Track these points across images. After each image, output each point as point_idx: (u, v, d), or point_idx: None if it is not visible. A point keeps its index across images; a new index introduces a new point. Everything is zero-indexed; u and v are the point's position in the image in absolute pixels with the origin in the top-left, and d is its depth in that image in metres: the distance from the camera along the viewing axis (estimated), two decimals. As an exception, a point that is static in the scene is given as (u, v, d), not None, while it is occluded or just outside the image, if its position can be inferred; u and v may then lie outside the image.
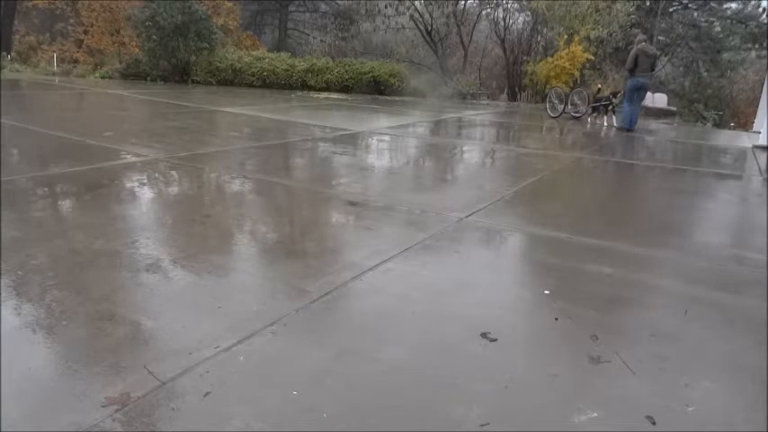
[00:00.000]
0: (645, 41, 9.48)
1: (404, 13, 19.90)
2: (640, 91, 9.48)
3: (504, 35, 18.50)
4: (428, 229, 3.46)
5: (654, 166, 6.70)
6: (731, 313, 2.52)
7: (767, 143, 8.62)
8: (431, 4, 19.42)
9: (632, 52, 9.39)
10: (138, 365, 1.80)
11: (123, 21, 19.24)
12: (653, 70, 9.50)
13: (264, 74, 15.69)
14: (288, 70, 15.85)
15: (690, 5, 21.01)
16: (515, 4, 18.92)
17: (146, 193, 4.04)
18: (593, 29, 16.07)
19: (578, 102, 11.84)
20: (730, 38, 19.97)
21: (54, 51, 19.31)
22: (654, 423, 1.67)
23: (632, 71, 9.33)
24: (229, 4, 21.47)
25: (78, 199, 3.82)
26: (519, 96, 17.86)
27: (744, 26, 19.43)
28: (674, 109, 17.15)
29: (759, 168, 6.92)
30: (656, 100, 16.72)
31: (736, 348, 2.20)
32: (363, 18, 22.64)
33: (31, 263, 2.58)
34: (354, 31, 23.34)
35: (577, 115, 11.70)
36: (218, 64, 15.69)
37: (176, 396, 1.67)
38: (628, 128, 9.49)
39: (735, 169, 7.26)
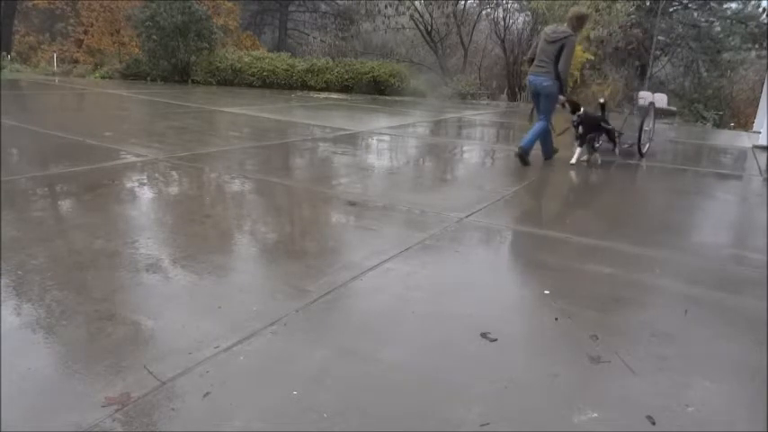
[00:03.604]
0: (574, 22, 5.67)
1: (404, 13, 19.90)
2: (535, 97, 5.91)
3: (504, 35, 18.50)
4: (428, 229, 3.46)
5: (653, 166, 6.69)
6: (731, 313, 2.52)
7: (767, 143, 8.62)
8: (431, 4, 19.43)
9: None
10: (138, 365, 1.80)
11: (123, 21, 19.22)
12: (557, 64, 5.54)
13: (264, 74, 15.68)
14: (288, 70, 15.84)
15: (690, 5, 21.01)
16: (515, 4, 18.92)
17: (146, 193, 4.04)
18: (593, 29, 16.07)
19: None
20: (730, 38, 19.96)
21: (54, 51, 19.30)
22: (654, 423, 1.67)
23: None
24: (229, 4, 21.45)
25: (78, 199, 3.82)
26: (519, 96, 17.86)
27: (744, 26, 19.43)
28: (674, 109, 17.14)
29: (759, 168, 6.92)
30: (656, 100, 16.74)
31: (736, 348, 2.20)
32: (363, 18, 22.64)
33: (31, 263, 2.58)
34: (354, 31, 23.34)
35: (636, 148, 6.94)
36: (218, 64, 15.68)
37: (176, 396, 1.67)
38: (521, 147, 5.76)
39: (735, 169, 7.26)
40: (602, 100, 6.43)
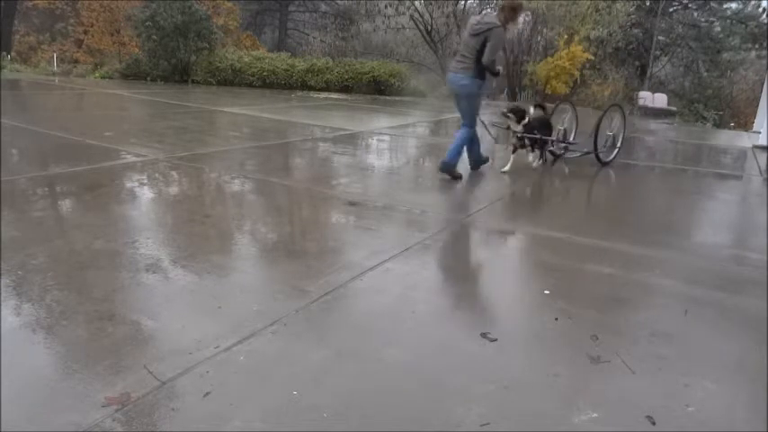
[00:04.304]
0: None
1: (404, 13, 19.91)
2: (456, 98, 5.11)
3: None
4: (428, 229, 3.46)
5: (653, 166, 6.70)
6: (731, 313, 2.52)
7: (767, 143, 8.63)
8: (431, 4, 19.43)
9: None
10: (138, 365, 1.80)
11: (123, 21, 19.22)
12: (480, 60, 4.70)
13: (264, 74, 15.68)
14: (288, 70, 15.83)
15: (690, 5, 21.02)
16: (515, 4, 18.91)
17: (146, 193, 4.04)
18: (593, 29, 16.08)
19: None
20: (730, 38, 19.99)
21: (54, 51, 19.29)
22: (654, 423, 1.67)
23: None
24: (229, 5, 21.45)
25: (78, 199, 3.82)
26: (519, 96, 17.86)
27: (744, 26, 19.45)
28: (674, 109, 17.15)
29: (759, 168, 6.92)
30: (656, 100, 16.76)
31: (736, 348, 2.19)
32: (363, 18, 22.66)
33: (31, 263, 2.58)
34: (354, 31, 23.35)
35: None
36: (218, 64, 15.68)
37: (176, 396, 1.67)
38: (443, 162, 5.00)
39: (735, 169, 7.26)
40: (531, 109, 5.71)
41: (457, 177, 4.97)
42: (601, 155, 5.99)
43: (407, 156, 6.71)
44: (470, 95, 4.94)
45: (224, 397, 1.67)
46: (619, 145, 6.27)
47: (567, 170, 5.76)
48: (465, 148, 5.12)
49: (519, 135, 5.39)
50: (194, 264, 2.68)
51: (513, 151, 5.47)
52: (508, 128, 5.46)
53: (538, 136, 5.45)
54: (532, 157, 5.53)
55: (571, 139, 6.13)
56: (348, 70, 15.96)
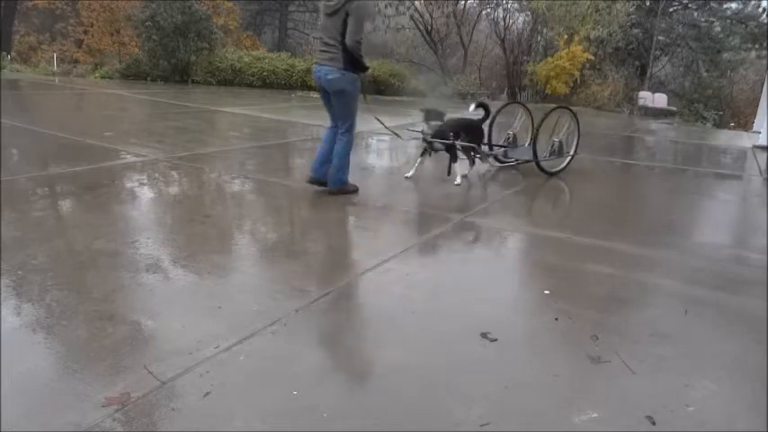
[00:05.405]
0: None
1: (404, 13, 19.90)
2: (325, 97, 4.19)
3: (504, 35, 18.51)
4: (428, 229, 3.46)
5: (653, 166, 6.70)
6: (731, 313, 2.53)
7: (767, 143, 8.63)
8: (431, 4, 19.44)
9: None
10: (138, 365, 1.80)
11: (123, 21, 19.21)
12: (345, 46, 3.85)
13: (264, 74, 15.68)
14: (288, 70, 15.83)
15: (690, 5, 21.02)
16: (515, 4, 18.93)
17: (146, 194, 4.04)
18: (594, 29, 16.08)
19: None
20: (730, 38, 19.97)
21: (54, 51, 19.28)
22: (654, 423, 1.67)
23: None
24: (229, 4, 21.44)
25: (78, 199, 3.82)
26: (519, 96, 17.87)
27: (744, 26, 19.45)
28: (674, 109, 17.16)
29: (759, 168, 6.92)
30: (656, 100, 16.76)
31: (736, 348, 2.19)
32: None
33: (31, 263, 2.58)
34: (354, 31, 23.32)
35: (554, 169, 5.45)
36: (218, 64, 15.68)
37: (176, 396, 1.67)
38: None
39: (735, 169, 7.26)
40: (471, 107, 5.15)
41: (351, 191, 4.16)
42: (544, 164, 5.26)
43: (407, 156, 6.70)
44: (342, 93, 4.00)
45: (224, 397, 1.67)
46: (572, 152, 5.59)
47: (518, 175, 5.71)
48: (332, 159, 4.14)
49: (427, 138, 4.75)
50: (194, 264, 2.68)
51: (421, 155, 4.86)
52: (421, 131, 4.82)
53: (451, 141, 4.73)
54: (458, 168, 4.77)
55: (526, 145, 5.62)
56: (348, 70, 15.94)
